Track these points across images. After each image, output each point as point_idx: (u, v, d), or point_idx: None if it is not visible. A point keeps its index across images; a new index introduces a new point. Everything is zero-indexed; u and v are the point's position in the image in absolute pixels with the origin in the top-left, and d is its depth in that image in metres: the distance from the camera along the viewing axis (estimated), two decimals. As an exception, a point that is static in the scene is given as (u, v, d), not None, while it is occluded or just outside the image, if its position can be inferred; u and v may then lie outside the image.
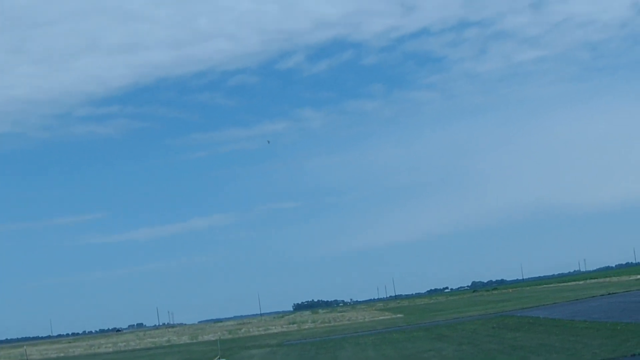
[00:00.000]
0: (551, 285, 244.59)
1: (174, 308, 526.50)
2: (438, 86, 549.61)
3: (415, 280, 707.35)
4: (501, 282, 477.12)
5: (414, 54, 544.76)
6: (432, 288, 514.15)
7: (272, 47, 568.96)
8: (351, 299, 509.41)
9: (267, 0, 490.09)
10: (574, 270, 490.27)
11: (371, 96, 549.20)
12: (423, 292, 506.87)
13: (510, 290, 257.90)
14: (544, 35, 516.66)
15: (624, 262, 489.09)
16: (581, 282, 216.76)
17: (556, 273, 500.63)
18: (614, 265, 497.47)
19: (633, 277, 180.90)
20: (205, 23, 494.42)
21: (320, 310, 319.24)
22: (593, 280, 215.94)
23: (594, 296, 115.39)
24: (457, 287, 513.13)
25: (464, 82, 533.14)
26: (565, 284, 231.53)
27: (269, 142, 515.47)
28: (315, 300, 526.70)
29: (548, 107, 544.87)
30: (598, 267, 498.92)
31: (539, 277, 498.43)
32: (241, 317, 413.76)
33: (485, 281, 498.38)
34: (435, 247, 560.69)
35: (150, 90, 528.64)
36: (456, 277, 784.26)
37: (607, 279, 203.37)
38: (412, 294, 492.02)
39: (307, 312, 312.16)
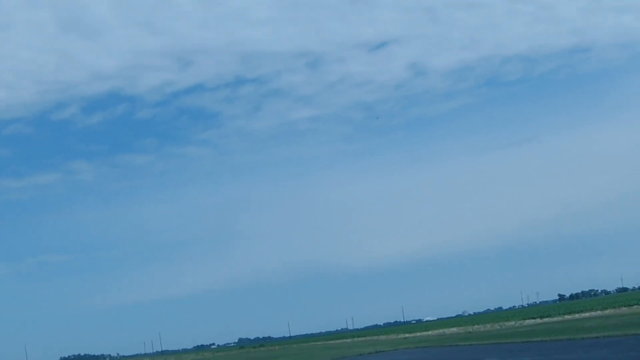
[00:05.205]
0: (319, 342, 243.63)
1: None
2: (211, 142, 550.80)
3: (182, 335, 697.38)
4: (268, 339, 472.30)
5: (189, 110, 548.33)
6: (199, 344, 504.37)
7: (48, 97, 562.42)
8: (118, 354, 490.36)
9: (45, 50, 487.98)
10: (342, 328, 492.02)
11: (143, 150, 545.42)
12: (190, 347, 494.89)
13: (277, 347, 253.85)
14: (318, 94, 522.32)
15: (392, 321, 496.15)
16: (349, 340, 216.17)
17: (324, 331, 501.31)
18: (382, 324, 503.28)
19: (401, 336, 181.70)
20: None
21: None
22: (361, 339, 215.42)
23: (361, 354, 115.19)
24: (223, 343, 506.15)
25: (237, 138, 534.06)
26: (332, 341, 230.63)
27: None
28: (82, 354, 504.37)
29: (319, 166, 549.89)
30: (366, 326, 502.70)
31: (306, 334, 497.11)
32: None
33: (252, 338, 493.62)
34: (202, 303, 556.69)
35: None
36: (223, 333, 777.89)
37: (375, 337, 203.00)
38: (178, 350, 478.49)
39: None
